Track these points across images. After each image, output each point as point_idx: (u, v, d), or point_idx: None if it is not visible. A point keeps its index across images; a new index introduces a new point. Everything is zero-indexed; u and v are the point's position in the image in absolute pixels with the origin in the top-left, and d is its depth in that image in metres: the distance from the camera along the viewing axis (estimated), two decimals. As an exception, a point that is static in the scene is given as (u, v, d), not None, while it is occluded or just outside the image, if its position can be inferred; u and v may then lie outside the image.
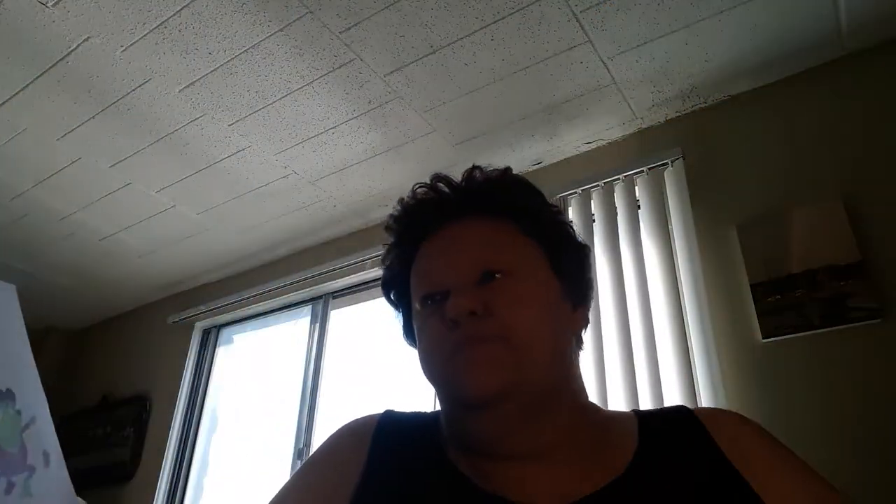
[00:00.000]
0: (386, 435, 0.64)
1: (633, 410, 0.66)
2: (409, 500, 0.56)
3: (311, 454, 0.67)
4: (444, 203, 0.66)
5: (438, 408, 0.66)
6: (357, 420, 0.67)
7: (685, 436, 0.59)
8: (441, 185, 0.67)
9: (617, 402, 1.52)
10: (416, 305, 0.63)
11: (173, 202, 2.37)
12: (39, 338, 3.53)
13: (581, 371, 0.65)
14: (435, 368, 0.59)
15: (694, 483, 0.54)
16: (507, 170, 0.68)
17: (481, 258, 0.60)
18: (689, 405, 1.48)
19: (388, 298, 0.72)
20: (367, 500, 0.57)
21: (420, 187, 0.67)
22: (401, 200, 0.69)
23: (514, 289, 0.58)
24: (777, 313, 1.46)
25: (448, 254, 0.62)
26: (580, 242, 0.68)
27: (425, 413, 0.68)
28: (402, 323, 0.71)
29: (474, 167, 0.68)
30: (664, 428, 0.60)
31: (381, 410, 0.68)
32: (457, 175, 0.68)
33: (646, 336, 1.56)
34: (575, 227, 0.70)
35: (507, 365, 0.55)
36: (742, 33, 1.56)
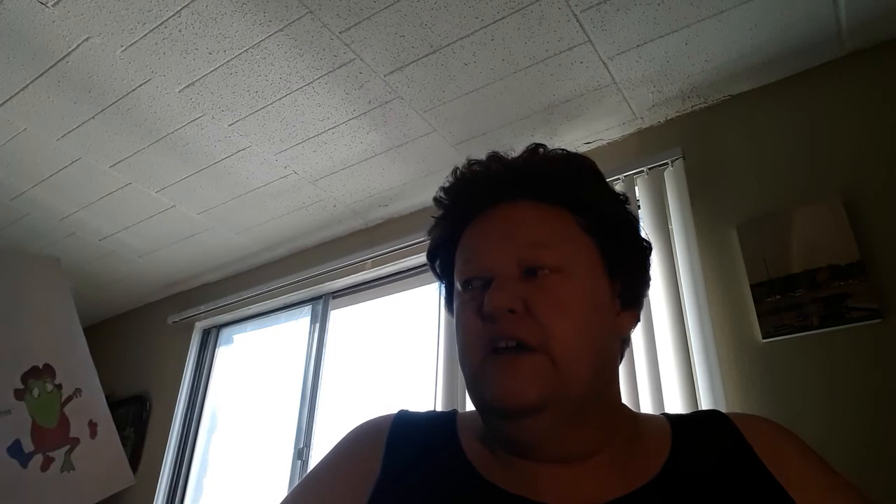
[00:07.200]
0: (401, 436, 0.62)
1: (663, 414, 0.64)
2: (427, 502, 0.55)
3: (323, 455, 0.65)
4: (497, 181, 0.62)
5: (445, 408, 0.64)
6: (371, 420, 0.66)
7: (720, 441, 0.57)
8: (496, 162, 0.63)
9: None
10: (458, 286, 0.61)
11: (173, 202, 2.37)
12: (39, 338, 3.53)
13: (618, 374, 0.62)
14: (468, 366, 0.57)
15: (729, 489, 0.52)
16: (574, 155, 0.64)
17: (527, 251, 0.57)
18: (688, 405, 1.48)
19: (433, 269, 0.69)
20: (384, 503, 0.56)
21: (475, 162, 0.64)
22: (455, 171, 0.65)
23: (559, 289, 0.55)
24: (777, 313, 1.46)
25: (494, 240, 0.59)
26: (644, 242, 0.64)
27: (440, 413, 0.67)
28: (444, 295, 0.69)
29: (537, 146, 0.64)
30: (698, 432, 0.58)
31: (394, 411, 0.66)
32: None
33: (646, 336, 1.56)
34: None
35: (544, 378, 0.52)
36: (742, 33, 1.56)
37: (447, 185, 0.66)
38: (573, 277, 0.56)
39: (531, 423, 0.53)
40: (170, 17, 1.54)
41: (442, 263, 0.68)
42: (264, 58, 1.66)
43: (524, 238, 0.58)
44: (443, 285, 0.69)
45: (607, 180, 0.67)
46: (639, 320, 0.64)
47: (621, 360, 0.63)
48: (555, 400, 0.52)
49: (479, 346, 0.56)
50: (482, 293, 0.56)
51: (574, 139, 1.97)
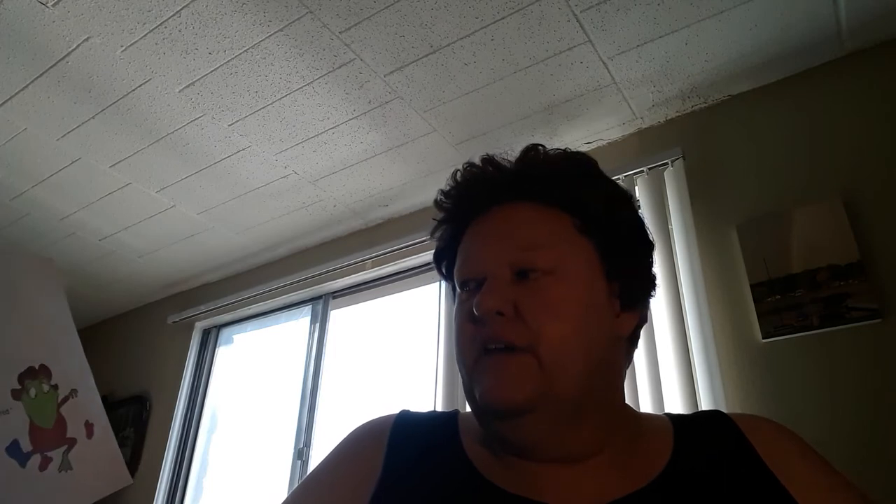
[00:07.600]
0: (403, 436, 0.62)
1: (665, 414, 0.64)
2: (429, 502, 0.55)
3: (325, 455, 0.65)
4: (496, 183, 0.62)
5: (445, 408, 0.64)
6: (372, 420, 0.66)
7: (722, 441, 0.57)
8: (495, 164, 0.63)
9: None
10: (457, 287, 0.62)
11: (173, 202, 2.37)
12: (39, 338, 3.53)
13: (623, 374, 0.61)
14: (462, 366, 0.58)
15: (731, 489, 0.52)
16: (573, 154, 0.63)
17: (519, 253, 0.57)
18: (688, 405, 1.48)
19: (439, 270, 0.70)
20: (386, 503, 0.56)
21: (470, 165, 0.64)
22: (454, 173, 0.66)
23: (550, 291, 0.55)
24: (777, 313, 1.46)
25: (490, 242, 0.59)
26: (646, 241, 0.63)
27: (442, 413, 0.67)
28: (452, 296, 0.69)
29: (535, 146, 0.64)
30: (700, 432, 0.59)
31: (396, 411, 0.66)
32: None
33: (645, 336, 1.56)
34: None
35: (533, 378, 0.53)
36: (742, 33, 1.56)
37: (447, 187, 0.66)
38: (566, 279, 0.56)
39: (523, 423, 0.53)
40: (170, 17, 1.54)
41: (447, 265, 0.68)
42: (264, 58, 1.66)
43: (519, 240, 0.58)
44: (450, 286, 0.70)
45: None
46: (644, 321, 0.63)
47: (629, 361, 0.63)
48: (544, 400, 0.53)
49: (472, 348, 0.56)
50: (475, 295, 0.56)
51: (574, 139, 1.97)
